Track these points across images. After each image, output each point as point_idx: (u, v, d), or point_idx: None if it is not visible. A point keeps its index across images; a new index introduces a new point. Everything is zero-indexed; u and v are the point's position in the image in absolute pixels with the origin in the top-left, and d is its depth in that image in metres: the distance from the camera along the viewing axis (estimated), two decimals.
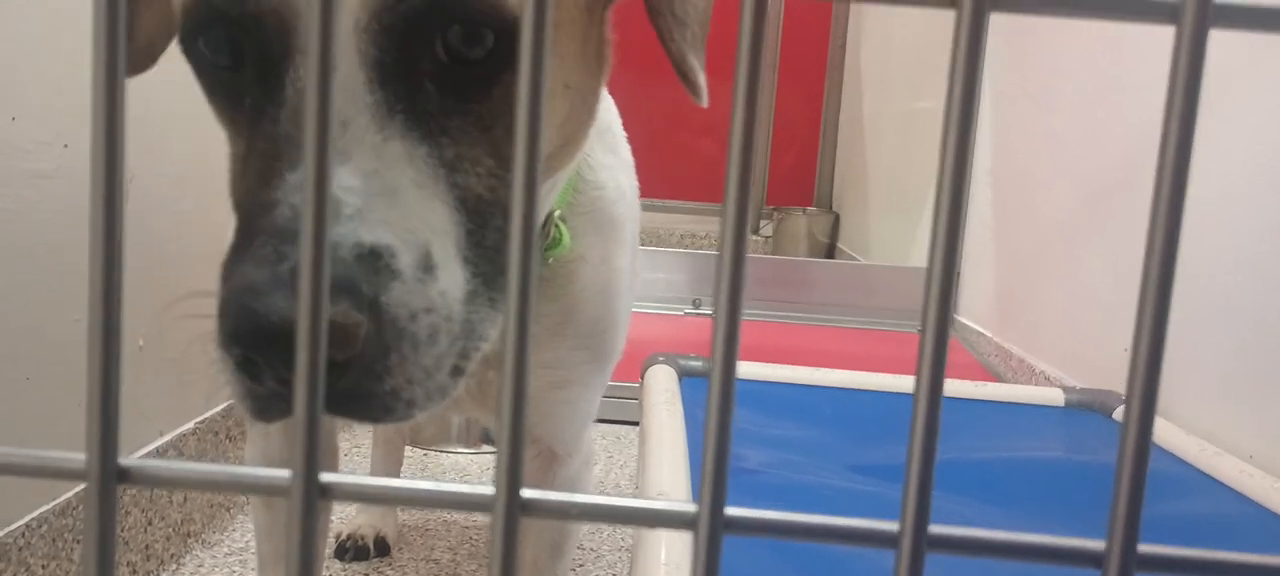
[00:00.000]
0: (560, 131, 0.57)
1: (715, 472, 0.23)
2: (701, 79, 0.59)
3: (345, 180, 0.43)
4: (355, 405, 0.42)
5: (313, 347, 0.24)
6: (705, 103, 0.60)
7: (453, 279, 0.46)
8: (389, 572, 1.36)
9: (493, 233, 0.49)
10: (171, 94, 1.23)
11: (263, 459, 0.86)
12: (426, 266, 0.44)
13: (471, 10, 0.47)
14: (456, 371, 0.45)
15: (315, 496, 0.25)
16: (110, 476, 0.26)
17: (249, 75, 0.48)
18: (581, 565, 1.41)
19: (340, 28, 0.45)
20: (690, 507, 0.24)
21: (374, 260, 0.42)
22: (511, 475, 0.24)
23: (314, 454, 0.26)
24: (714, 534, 0.23)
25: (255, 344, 0.39)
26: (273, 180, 0.43)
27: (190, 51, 0.51)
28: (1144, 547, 0.23)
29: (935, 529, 0.23)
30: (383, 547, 1.39)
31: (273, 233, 0.41)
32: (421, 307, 0.43)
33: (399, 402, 0.44)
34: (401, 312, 0.42)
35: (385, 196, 0.44)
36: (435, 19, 0.46)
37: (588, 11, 0.57)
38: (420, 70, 0.47)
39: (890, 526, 0.23)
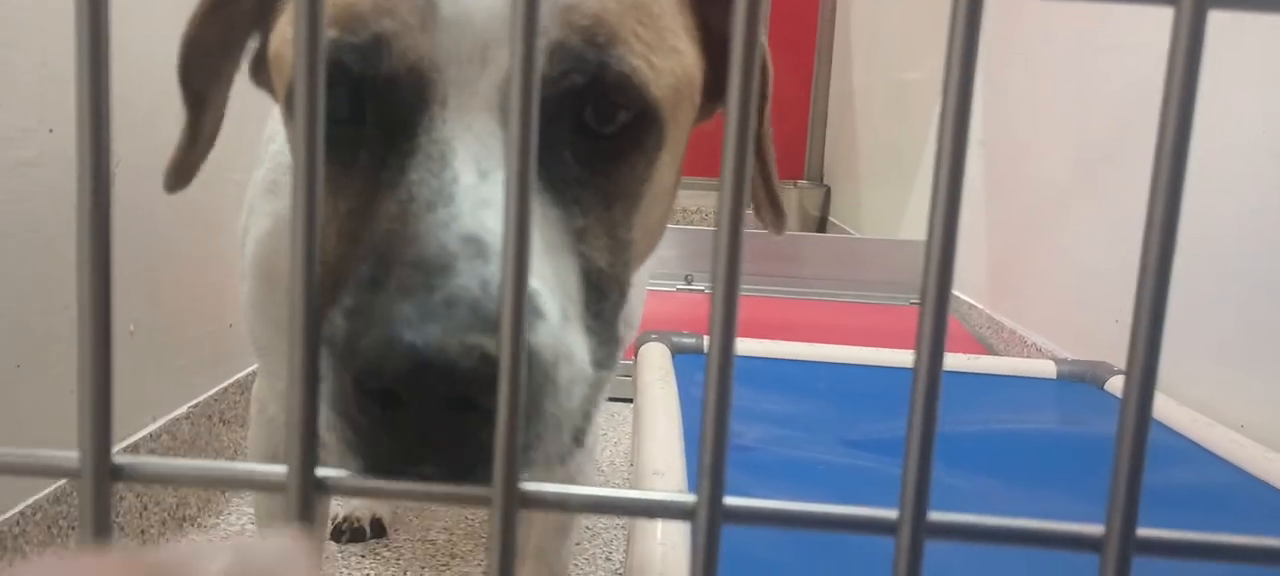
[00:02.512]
0: (652, 229, 0.57)
1: (713, 464, 0.23)
2: (784, 210, 0.67)
3: (490, 222, 0.39)
4: (483, 465, 0.35)
5: (308, 345, 0.24)
6: (784, 228, 0.66)
7: (582, 339, 0.44)
8: (385, 554, 1.36)
9: (609, 308, 0.49)
10: (156, 75, 1.22)
11: (267, 446, 0.86)
12: (566, 316, 0.42)
13: (622, 88, 0.46)
14: (578, 436, 0.42)
15: (312, 492, 0.25)
16: (104, 474, 0.25)
17: (371, 130, 0.45)
18: (578, 544, 1.41)
19: (482, 85, 0.44)
20: (689, 498, 0.24)
21: (527, 302, 0.39)
22: (509, 470, 0.24)
23: (311, 449, 0.25)
24: (713, 525, 0.23)
25: (405, 376, 0.34)
26: (409, 220, 0.40)
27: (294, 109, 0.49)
28: (1143, 531, 0.23)
29: (934, 516, 0.23)
30: (379, 529, 1.40)
31: (417, 265, 0.37)
32: (563, 354, 0.40)
33: (527, 458, 0.40)
34: (547, 355, 0.39)
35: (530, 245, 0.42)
36: (585, 94, 0.46)
37: (685, 149, 0.58)
38: (561, 140, 0.46)
39: (889, 514, 0.23)
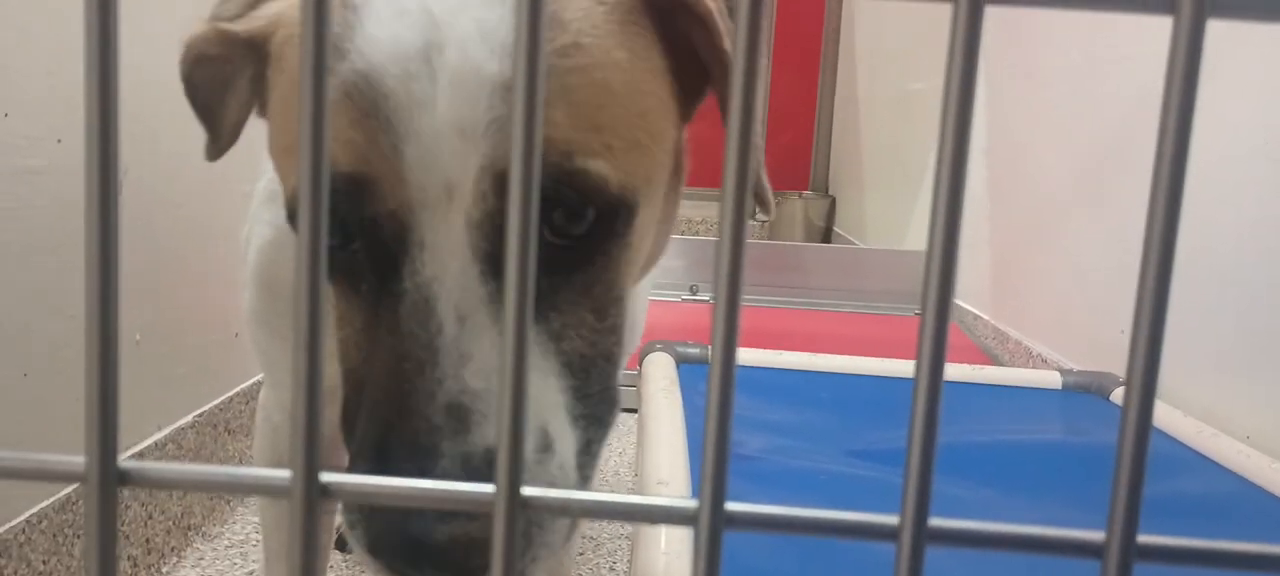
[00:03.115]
0: (646, 265, 0.60)
1: (715, 469, 0.23)
2: (772, 198, 0.68)
3: (472, 384, 0.45)
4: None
5: (311, 352, 0.24)
6: (772, 211, 0.67)
7: (567, 447, 0.48)
8: None
9: (595, 381, 0.52)
10: (163, 87, 1.22)
11: (273, 455, 0.87)
12: (545, 447, 0.47)
13: (582, 194, 0.49)
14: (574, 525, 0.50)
15: (316, 497, 0.25)
16: (110, 480, 0.25)
17: (362, 257, 0.49)
18: (582, 554, 1.41)
19: (453, 222, 0.47)
20: (691, 504, 0.24)
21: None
22: (512, 474, 0.24)
23: (314, 455, 0.26)
24: (715, 530, 0.23)
25: (410, 562, 0.43)
26: (403, 382, 0.46)
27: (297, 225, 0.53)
28: (1144, 538, 0.23)
29: (935, 521, 0.23)
30: None
31: (414, 450, 0.44)
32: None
33: (531, 570, 0.48)
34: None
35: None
36: (546, 206, 0.48)
37: (675, 136, 0.58)
38: None
39: (891, 520, 0.23)
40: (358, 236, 0.49)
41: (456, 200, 0.47)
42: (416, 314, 0.47)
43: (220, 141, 0.66)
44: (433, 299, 0.47)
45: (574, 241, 0.50)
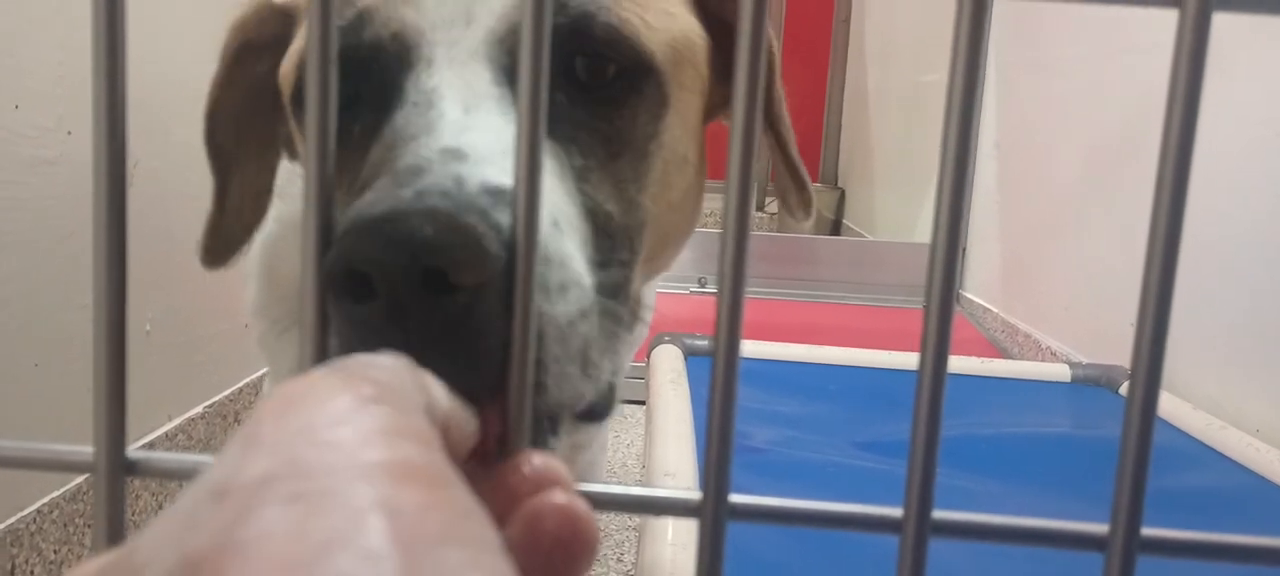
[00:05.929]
0: (674, 202, 0.55)
1: (718, 461, 0.23)
2: (809, 182, 0.67)
3: (473, 139, 0.39)
4: (476, 363, 0.32)
5: (317, 335, 0.25)
6: (813, 211, 0.63)
7: (579, 254, 0.41)
8: None
9: (621, 258, 0.47)
10: (173, 78, 1.23)
11: None
12: (557, 225, 0.40)
13: (611, 42, 0.47)
14: (587, 366, 0.38)
15: None
16: (118, 469, 0.26)
17: (362, 102, 0.46)
18: None
19: (468, 42, 0.45)
20: (695, 495, 0.24)
21: (503, 197, 0.35)
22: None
23: None
24: (718, 522, 0.24)
25: (372, 249, 0.31)
26: (394, 149, 0.41)
27: (300, 109, 0.50)
28: (1147, 531, 0.23)
29: (938, 514, 0.23)
30: None
31: (394, 175, 0.36)
32: (554, 254, 0.38)
33: (541, 398, 0.36)
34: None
35: (512, 155, 0.37)
36: (572, 43, 0.46)
37: (699, 122, 0.57)
38: (553, 83, 0.45)
39: (894, 512, 0.24)
40: (355, 71, 0.45)
41: (476, 23, 0.45)
42: (417, 108, 0.43)
43: (228, 208, 0.65)
44: (437, 96, 0.43)
45: (597, 90, 0.48)
